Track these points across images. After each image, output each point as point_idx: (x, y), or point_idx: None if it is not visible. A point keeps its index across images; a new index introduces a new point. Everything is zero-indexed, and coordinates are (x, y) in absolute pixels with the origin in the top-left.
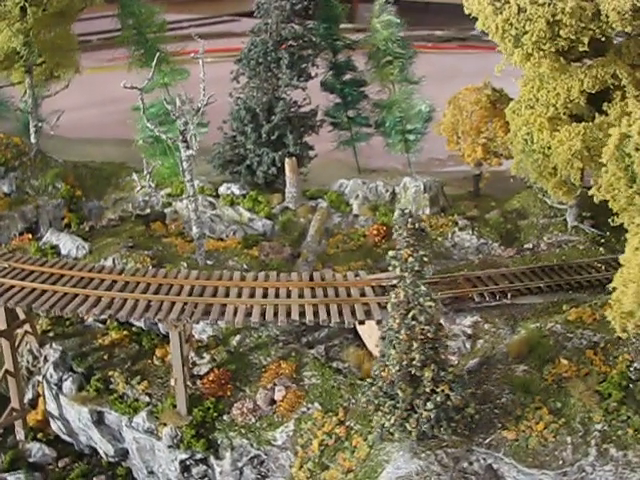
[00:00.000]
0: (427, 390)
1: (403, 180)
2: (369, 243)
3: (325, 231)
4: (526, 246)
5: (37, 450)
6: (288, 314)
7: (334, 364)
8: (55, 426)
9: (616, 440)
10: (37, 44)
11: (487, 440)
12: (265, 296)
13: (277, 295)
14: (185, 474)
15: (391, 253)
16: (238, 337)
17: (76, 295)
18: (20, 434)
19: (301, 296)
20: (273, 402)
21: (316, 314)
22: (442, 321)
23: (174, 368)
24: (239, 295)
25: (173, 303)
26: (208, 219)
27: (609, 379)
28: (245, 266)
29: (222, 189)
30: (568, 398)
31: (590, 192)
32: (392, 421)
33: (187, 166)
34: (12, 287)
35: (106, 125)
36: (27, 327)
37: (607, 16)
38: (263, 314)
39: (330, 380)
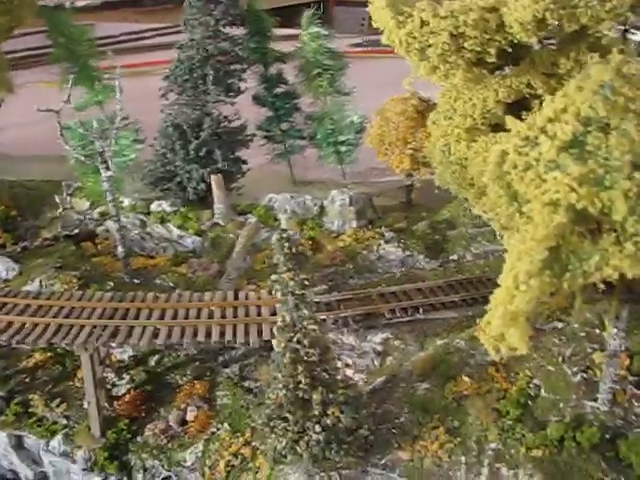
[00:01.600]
0: (316, 413)
1: (331, 193)
2: None
3: (253, 247)
4: (452, 257)
5: None
6: (194, 334)
7: (246, 383)
8: None
9: (508, 459)
10: None
11: (383, 460)
12: (175, 317)
13: (187, 316)
14: None
15: (273, 277)
16: (157, 357)
17: None
18: None
19: (210, 316)
20: (185, 422)
21: (223, 334)
22: (337, 343)
23: (86, 391)
24: (149, 317)
25: (82, 326)
26: (138, 237)
27: (508, 396)
28: (172, 284)
29: (153, 206)
30: (466, 417)
31: (474, 211)
32: (284, 443)
33: (108, 186)
34: None
35: (51, 141)
36: None
37: (511, 27)
38: (169, 335)
39: (240, 400)
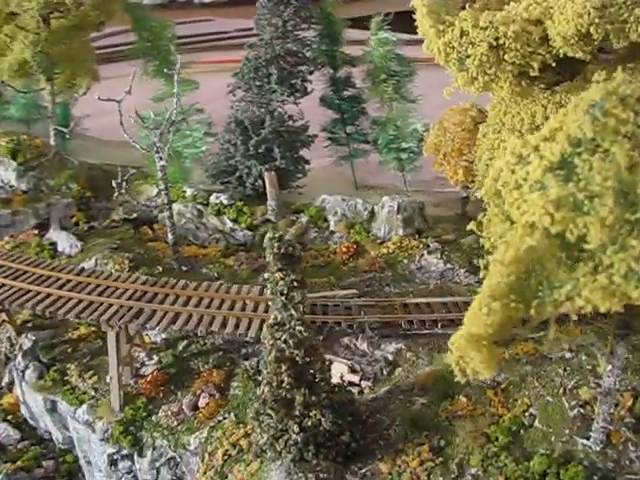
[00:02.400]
0: (297, 413)
1: (382, 199)
2: (337, 261)
3: (300, 245)
4: None
5: (3, 430)
6: (210, 324)
7: (260, 377)
8: (23, 410)
9: None
10: (53, 55)
11: (363, 470)
12: (197, 305)
13: (209, 306)
14: (112, 467)
15: (266, 275)
16: (185, 342)
17: (28, 291)
18: None
19: (231, 308)
20: (196, 408)
21: (237, 326)
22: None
23: (110, 367)
24: (173, 303)
25: (110, 305)
26: (193, 226)
27: (500, 422)
28: (216, 274)
29: (212, 198)
30: (454, 437)
31: (468, 227)
32: (264, 439)
33: (161, 175)
34: None
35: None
36: (4, 316)
37: (554, 40)
38: (186, 322)
39: (249, 393)
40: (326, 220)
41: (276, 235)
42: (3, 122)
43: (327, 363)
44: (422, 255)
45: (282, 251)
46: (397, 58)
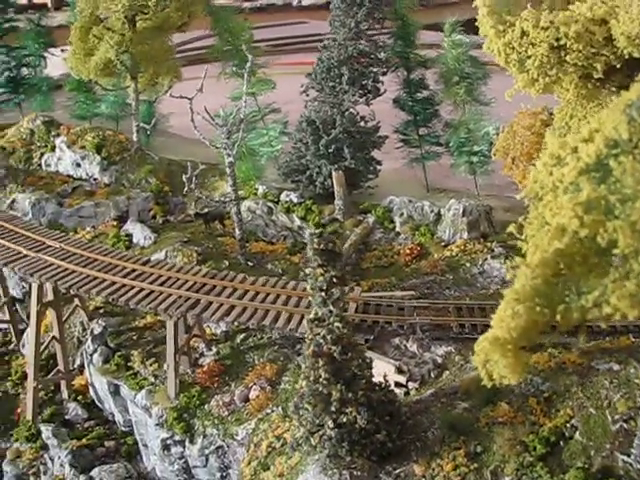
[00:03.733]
0: (333, 409)
1: (449, 202)
2: (400, 262)
3: (364, 245)
4: None
5: (72, 409)
6: (263, 318)
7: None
8: (91, 391)
9: None
10: (136, 55)
11: (397, 471)
12: (253, 299)
13: (264, 300)
14: (165, 452)
15: (307, 271)
16: (243, 335)
17: (95, 278)
18: (64, 394)
19: (285, 303)
20: (247, 400)
21: (289, 321)
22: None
23: (167, 355)
24: (230, 296)
25: (169, 295)
26: (263, 223)
27: (540, 432)
28: (281, 270)
29: (282, 196)
30: (492, 444)
31: (508, 229)
32: (301, 432)
33: (230, 172)
34: (58, 267)
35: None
36: (77, 302)
37: (618, 40)
38: (240, 315)
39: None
40: (392, 221)
41: (316, 231)
42: (94, 119)
43: (367, 361)
44: (485, 259)
45: (322, 247)
46: (470, 60)
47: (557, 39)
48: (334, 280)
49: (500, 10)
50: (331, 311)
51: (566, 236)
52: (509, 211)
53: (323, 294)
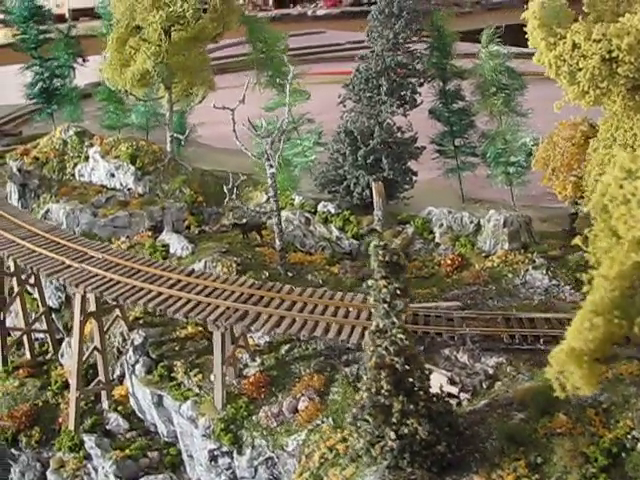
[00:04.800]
0: (394, 420)
1: (489, 213)
2: (441, 272)
3: (405, 256)
4: None
5: (114, 420)
6: (314, 329)
7: (360, 383)
8: (132, 402)
9: None
10: (172, 65)
11: None
12: (301, 311)
13: (312, 311)
14: (213, 463)
15: (369, 282)
16: (287, 346)
17: (141, 289)
18: (105, 404)
19: (334, 314)
20: (296, 410)
21: (339, 332)
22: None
23: (215, 366)
24: (278, 307)
25: (217, 306)
26: (300, 233)
27: (600, 443)
28: (321, 281)
29: (320, 206)
30: (552, 455)
31: (573, 242)
32: (361, 444)
33: (271, 183)
34: (103, 277)
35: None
36: (118, 312)
37: None
38: (290, 325)
39: (349, 399)
40: (431, 232)
41: (382, 243)
42: (124, 129)
43: (426, 373)
44: (527, 270)
45: (387, 259)
46: (507, 71)
47: (609, 51)
48: (397, 292)
49: (550, 22)
50: (394, 323)
51: None
52: (546, 221)
53: (386, 306)
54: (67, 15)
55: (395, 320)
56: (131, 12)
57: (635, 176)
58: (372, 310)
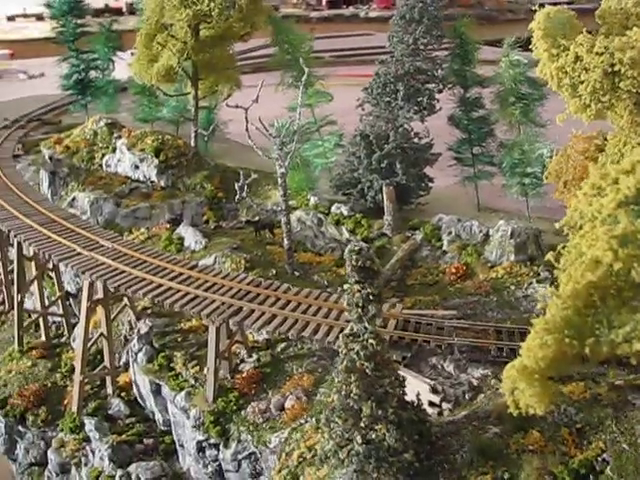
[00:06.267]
0: (363, 425)
1: (498, 223)
2: (445, 280)
3: (411, 262)
4: None
5: (115, 405)
6: (303, 329)
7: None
8: (134, 389)
9: None
10: (198, 62)
11: None
12: (294, 310)
13: (305, 311)
14: (200, 454)
15: (345, 286)
16: (284, 345)
17: (143, 279)
18: (109, 389)
19: (326, 316)
20: (282, 408)
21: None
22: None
23: (208, 359)
24: (272, 305)
25: (213, 301)
26: (312, 234)
27: (569, 463)
28: (326, 282)
29: (333, 208)
30: (520, 471)
31: (545, 257)
32: (329, 446)
33: (281, 182)
34: (109, 266)
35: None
36: (126, 301)
37: None
38: (281, 324)
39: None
40: (440, 239)
41: (356, 248)
42: (156, 122)
43: (400, 379)
44: (530, 283)
45: (360, 264)
46: (527, 81)
47: (611, 65)
48: (370, 297)
49: (555, 34)
50: (366, 327)
51: (600, 269)
52: (559, 235)
53: (359, 310)
54: (124, 9)
55: (367, 325)
56: (160, 9)
57: (603, 193)
58: (347, 314)
